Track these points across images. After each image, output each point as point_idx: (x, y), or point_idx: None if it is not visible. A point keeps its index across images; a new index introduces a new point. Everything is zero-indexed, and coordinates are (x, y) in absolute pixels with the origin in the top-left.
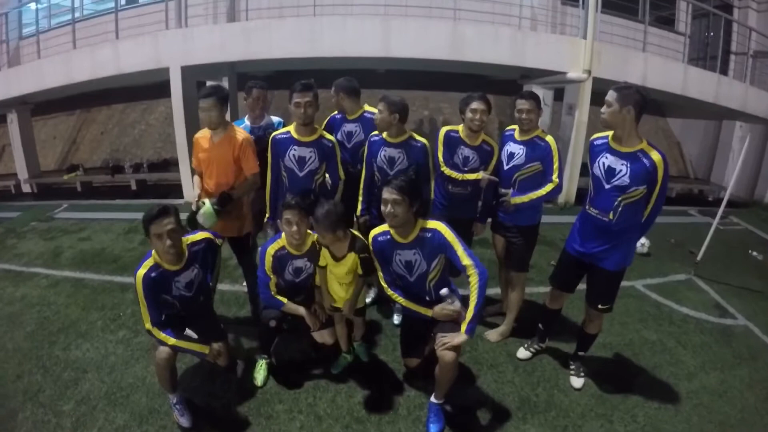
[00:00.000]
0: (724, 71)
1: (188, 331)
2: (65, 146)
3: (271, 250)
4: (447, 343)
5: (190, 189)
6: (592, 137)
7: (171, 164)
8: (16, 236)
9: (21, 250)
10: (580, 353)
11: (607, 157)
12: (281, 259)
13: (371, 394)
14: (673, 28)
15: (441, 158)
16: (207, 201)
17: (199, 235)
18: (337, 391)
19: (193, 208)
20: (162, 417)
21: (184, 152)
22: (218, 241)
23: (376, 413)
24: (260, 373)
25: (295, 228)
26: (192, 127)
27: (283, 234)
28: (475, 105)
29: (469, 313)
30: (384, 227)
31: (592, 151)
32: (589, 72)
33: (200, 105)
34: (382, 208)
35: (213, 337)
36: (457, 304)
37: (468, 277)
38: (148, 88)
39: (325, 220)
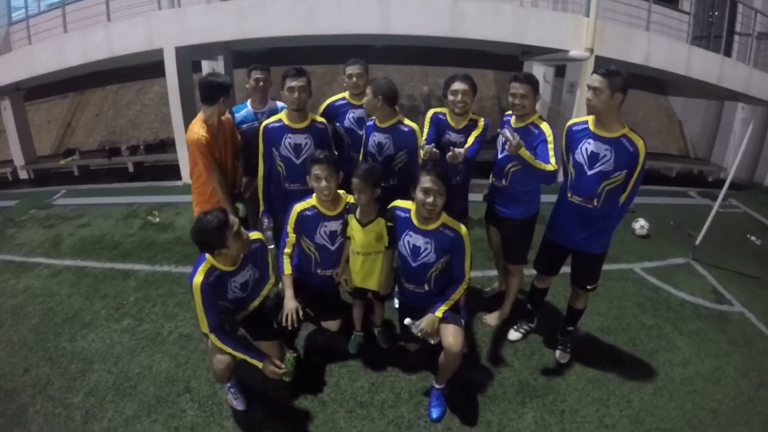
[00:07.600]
0: (727, 52)
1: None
2: (60, 130)
3: (299, 207)
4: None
5: (188, 170)
6: (569, 123)
7: (168, 145)
8: (16, 225)
9: (21, 239)
10: (569, 328)
11: (589, 143)
12: (313, 220)
13: (373, 378)
14: (676, 7)
15: (423, 140)
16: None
17: (254, 234)
18: (340, 375)
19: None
20: (170, 405)
21: (181, 133)
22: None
23: (379, 397)
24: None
25: (324, 183)
26: (188, 108)
27: (314, 194)
28: (455, 86)
29: (445, 302)
30: (407, 204)
31: (573, 138)
32: (592, 50)
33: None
34: (421, 196)
35: (264, 336)
36: (421, 323)
37: (456, 283)
38: (143, 67)
39: (369, 176)
